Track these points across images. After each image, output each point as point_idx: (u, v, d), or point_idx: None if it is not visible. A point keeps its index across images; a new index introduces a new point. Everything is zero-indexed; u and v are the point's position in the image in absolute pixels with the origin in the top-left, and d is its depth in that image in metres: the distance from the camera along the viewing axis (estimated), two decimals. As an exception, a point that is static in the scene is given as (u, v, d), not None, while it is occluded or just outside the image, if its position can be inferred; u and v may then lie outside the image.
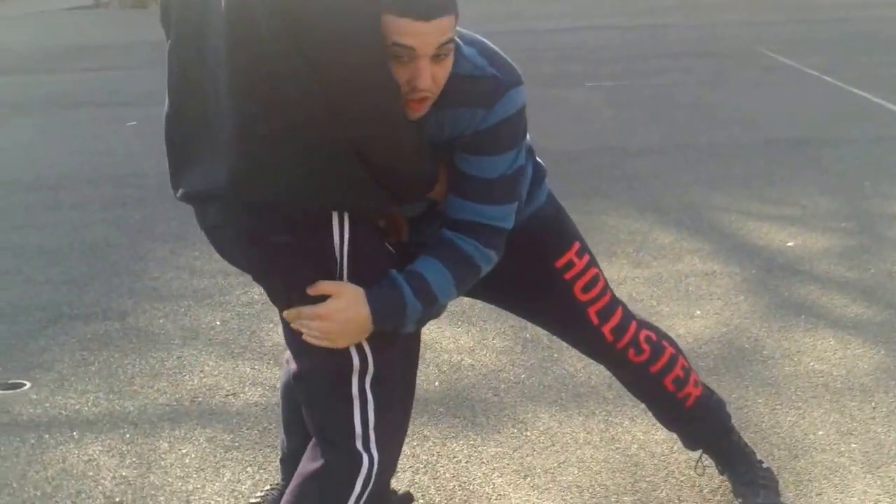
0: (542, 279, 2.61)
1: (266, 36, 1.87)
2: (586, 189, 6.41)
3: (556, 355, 3.99)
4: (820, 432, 3.34)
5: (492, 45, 2.22)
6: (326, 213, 2.05)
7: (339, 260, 2.07)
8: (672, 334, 3.21)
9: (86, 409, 3.70)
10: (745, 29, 14.99)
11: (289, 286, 2.11)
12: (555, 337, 2.84)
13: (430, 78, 2.01)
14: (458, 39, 2.14)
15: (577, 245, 2.63)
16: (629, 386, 2.86)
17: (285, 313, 2.13)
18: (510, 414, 3.56)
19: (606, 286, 2.69)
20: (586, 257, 2.64)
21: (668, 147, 7.49)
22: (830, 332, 4.15)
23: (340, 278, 2.09)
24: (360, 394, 2.16)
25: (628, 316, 2.71)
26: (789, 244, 5.27)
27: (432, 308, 2.19)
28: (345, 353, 2.12)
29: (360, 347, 2.13)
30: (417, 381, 2.56)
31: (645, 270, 4.98)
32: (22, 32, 19.34)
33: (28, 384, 3.92)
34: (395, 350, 2.24)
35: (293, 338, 2.16)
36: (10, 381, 3.95)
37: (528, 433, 3.42)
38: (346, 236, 2.06)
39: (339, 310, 2.06)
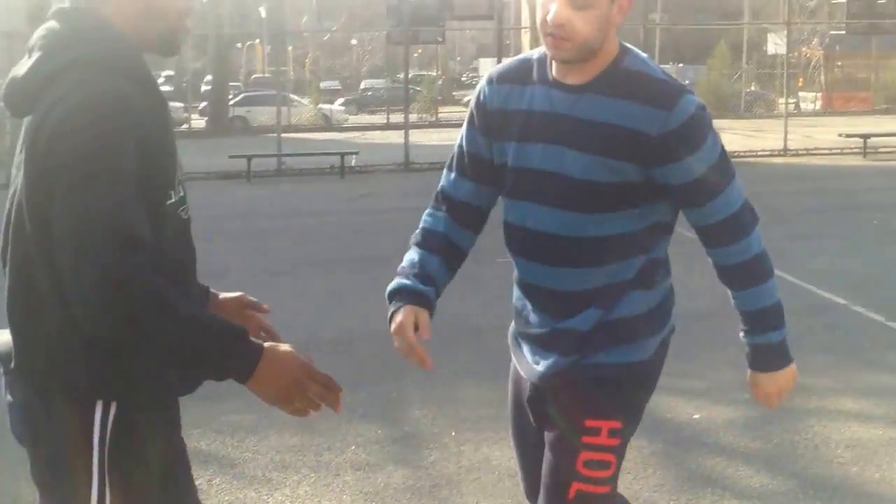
0: (564, 421, 2.66)
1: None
2: (500, 367, 6.76)
3: None
4: None
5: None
6: (89, 396, 2.19)
7: (95, 447, 2.18)
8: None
9: None
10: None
11: (39, 463, 2.27)
12: None
13: (565, 17, 2.44)
14: (638, 51, 2.62)
15: (617, 424, 2.65)
16: None
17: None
18: None
19: (610, 481, 2.66)
20: (617, 441, 2.65)
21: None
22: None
23: (97, 473, 2.18)
24: None
25: None
26: (695, 416, 5.70)
27: (777, 311, 2.75)
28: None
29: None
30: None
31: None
32: None
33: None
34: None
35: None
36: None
37: None
38: (109, 424, 2.19)
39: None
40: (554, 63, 2.62)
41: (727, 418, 5.69)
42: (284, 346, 2.21)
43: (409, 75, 26.19)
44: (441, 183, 2.95)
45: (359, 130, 36.16)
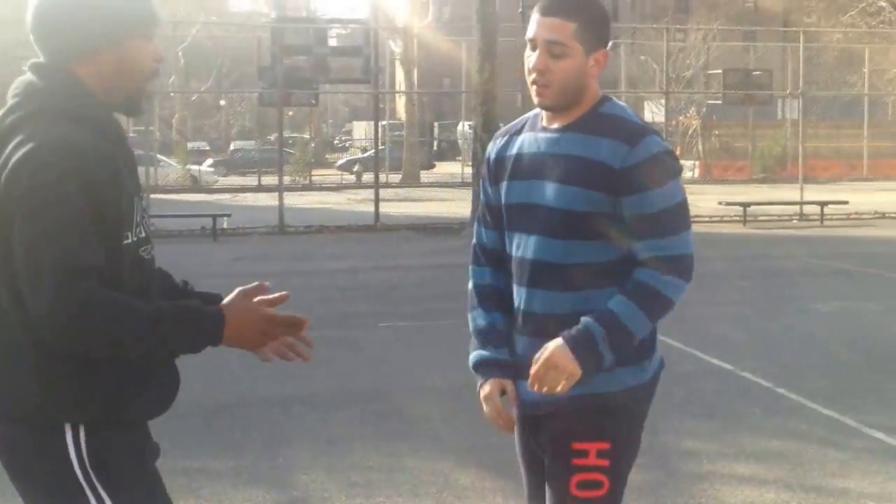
0: (555, 448, 3.01)
1: None
2: (387, 430, 6.84)
3: None
4: None
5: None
6: (55, 421, 2.39)
7: (78, 472, 2.38)
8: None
9: None
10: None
11: (26, 491, 2.44)
12: None
13: (543, 63, 2.89)
14: (616, 99, 3.01)
15: (607, 445, 2.97)
16: None
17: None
18: None
19: (604, 501, 2.98)
20: (606, 462, 2.97)
21: (465, 387, 8.02)
22: (634, 565, 4.65)
23: (89, 493, 2.39)
24: None
25: None
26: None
27: (624, 336, 2.81)
28: None
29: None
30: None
31: (450, 511, 5.40)
32: None
33: None
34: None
35: None
36: None
37: None
38: (84, 448, 2.39)
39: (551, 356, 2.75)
40: (544, 114, 3.07)
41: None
42: (242, 304, 2.55)
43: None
44: (474, 238, 3.30)
45: (229, 192, 36.01)
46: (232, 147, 54.88)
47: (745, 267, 16.04)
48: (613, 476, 3.00)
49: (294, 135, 55.71)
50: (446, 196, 30.62)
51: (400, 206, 27.28)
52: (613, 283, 2.94)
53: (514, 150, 3.12)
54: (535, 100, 3.00)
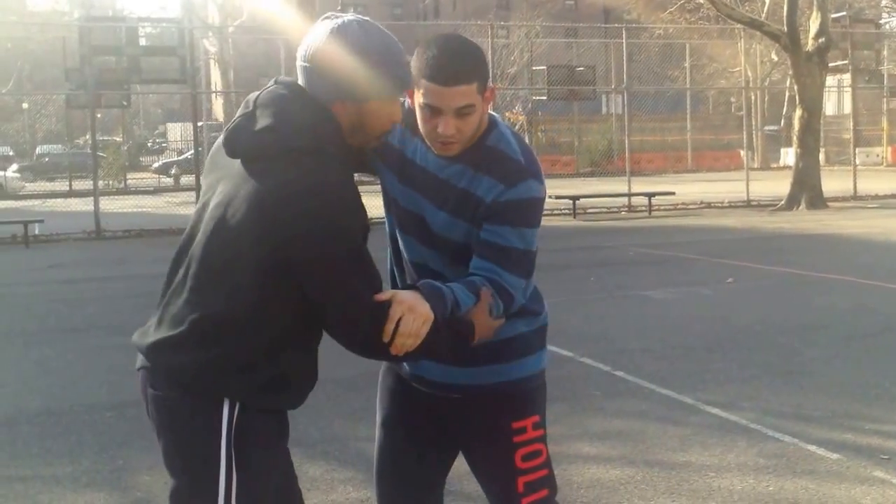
0: (493, 431, 3.25)
1: (241, 226, 2.61)
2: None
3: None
4: None
5: (529, 147, 3.13)
6: (217, 396, 2.68)
7: (223, 438, 2.67)
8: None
9: None
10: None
11: (169, 453, 2.74)
12: None
13: (453, 128, 2.96)
14: (504, 127, 3.09)
15: (537, 418, 3.29)
16: None
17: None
18: None
19: (546, 465, 3.30)
20: (541, 432, 3.30)
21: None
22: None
23: (223, 463, 2.69)
24: None
25: (551, 499, 3.32)
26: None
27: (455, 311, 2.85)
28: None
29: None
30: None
31: None
32: None
33: None
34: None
35: None
36: None
37: None
38: (234, 423, 2.68)
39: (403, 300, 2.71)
40: None
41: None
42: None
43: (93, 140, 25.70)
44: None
45: (39, 198, 35.02)
46: (38, 151, 53.27)
47: (579, 258, 16.52)
48: (545, 442, 3.33)
49: (105, 137, 54.51)
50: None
51: (222, 208, 26.94)
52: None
53: (407, 153, 3.20)
54: (438, 152, 3.07)
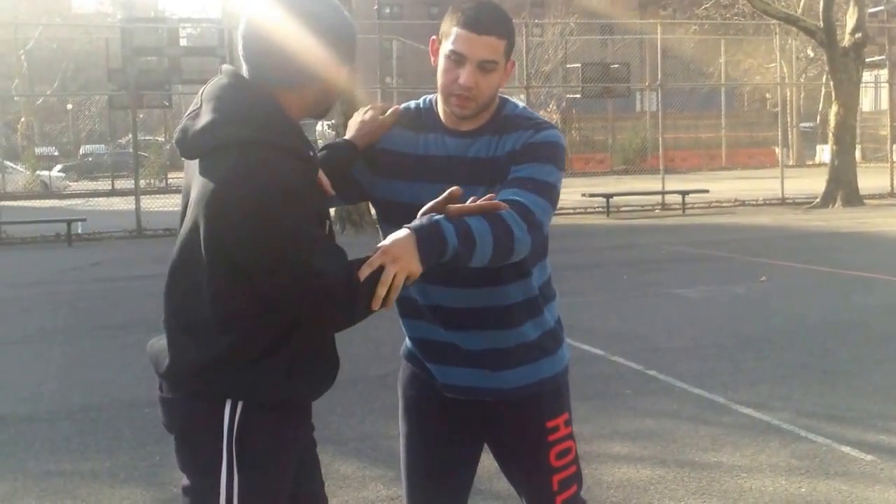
0: (529, 432, 3.24)
1: (198, 228, 2.57)
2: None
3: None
4: None
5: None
6: (218, 396, 2.65)
7: (224, 438, 2.65)
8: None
9: None
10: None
11: (178, 453, 2.77)
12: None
13: (474, 80, 2.94)
14: (515, 100, 3.11)
15: (567, 415, 3.30)
16: None
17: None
18: None
19: (575, 461, 3.30)
20: (570, 429, 3.30)
21: (343, 380, 8.08)
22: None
23: (224, 463, 2.66)
24: None
25: (578, 495, 3.31)
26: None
27: (470, 248, 2.66)
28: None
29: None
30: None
31: (333, 500, 5.43)
32: None
33: None
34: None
35: None
36: None
37: None
38: (236, 423, 2.66)
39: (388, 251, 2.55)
40: (443, 114, 3.14)
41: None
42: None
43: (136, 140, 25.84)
44: None
45: (82, 197, 35.28)
46: (82, 151, 53.62)
47: (612, 256, 16.42)
48: (574, 439, 3.33)
49: (147, 137, 54.79)
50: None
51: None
52: (512, 279, 3.13)
53: (418, 150, 3.15)
54: (454, 110, 3.04)
